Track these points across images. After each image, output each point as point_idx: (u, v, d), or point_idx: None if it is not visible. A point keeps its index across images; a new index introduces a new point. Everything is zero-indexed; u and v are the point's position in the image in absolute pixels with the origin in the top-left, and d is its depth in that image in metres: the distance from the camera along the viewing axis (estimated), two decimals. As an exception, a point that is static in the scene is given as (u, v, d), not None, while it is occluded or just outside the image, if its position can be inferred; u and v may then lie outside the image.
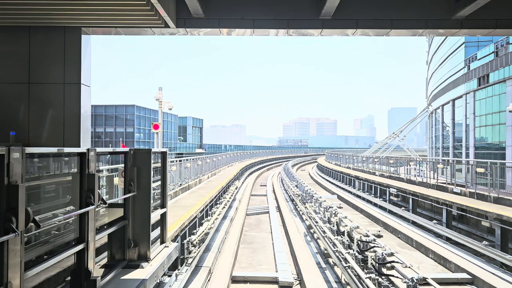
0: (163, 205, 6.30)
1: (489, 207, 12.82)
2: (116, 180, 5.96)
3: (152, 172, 5.46)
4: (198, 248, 10.79)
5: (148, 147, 6.50)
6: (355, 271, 8.48)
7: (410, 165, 24.20)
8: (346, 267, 8.94)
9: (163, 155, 6.35)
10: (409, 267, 7.69)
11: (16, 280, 2.69)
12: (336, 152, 52.71)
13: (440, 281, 8.50)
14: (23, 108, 9.06)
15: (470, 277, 9.26)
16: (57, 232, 4.00)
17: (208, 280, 9.12)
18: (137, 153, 5.40)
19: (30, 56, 9.16)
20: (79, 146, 8.86)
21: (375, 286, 7.73)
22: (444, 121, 38.86)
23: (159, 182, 6.38)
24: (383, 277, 8.18)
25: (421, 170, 22.27)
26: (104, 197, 4.57)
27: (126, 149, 5.34)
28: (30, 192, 3.27)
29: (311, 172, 51.73)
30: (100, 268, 4.77)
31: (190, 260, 9.82)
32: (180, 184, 16.92)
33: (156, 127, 19.32)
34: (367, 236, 9.76)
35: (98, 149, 4.22)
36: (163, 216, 6.25)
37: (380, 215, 17.91)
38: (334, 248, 10.58)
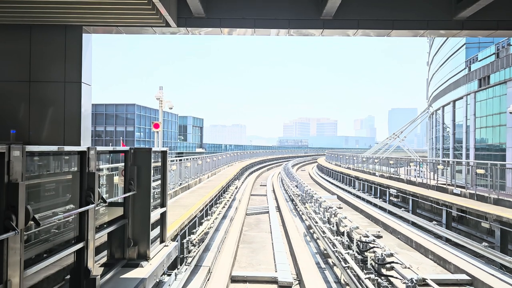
0: (163, 204, 6.30)
1: (489, 209, 12.81)
2: (116, 179, 5.95)
3: (152, 171, 5.47)
4: (198, 247, 10.79)
5: (148, 146, 6.51)
6: (355, 272, 8.48)
7: (410, 166, 24.20)
8: (346, 268, 8.94)
9: (163, 154, 6.35)
10: (409, 268, 7.68)
11: (16, 278, 2.69)
12: (336, 153, 52.70)
13: (440, 282, 8.49)
14: (23, 106, 9.05)
15: (469, 278, 9.26)
16: (57, 231, 4.00)
17: (208, 280, 9.12)
18: (138, 152, 5.41)
19: (31, 54, 9.16)
20: (79, 145, 8.86)
21: (375, 286, 7.74)
22: (445, 122, 38.83)
23: (159, 181, 6.38)
24: (382, 277, 8.17)
25: (421, 171, 22.28)
26: (104, 196, 4.57)
27: (127, 148, 5.34)
28: (30, 190, 3.27)
29: (311, 172, 51.73)
30: (100, 266, 4.77)
31: (189, 260, 9.82)
32: (180, 184, 16.92)
33: (156, 126, 19.34)
34: (367, 236, 9.76)
35: (99, 148, 4.22)
36: (163, 215, 6.26)
37: (380, 216, 17.89)
38: (334, 248, 10.58)
